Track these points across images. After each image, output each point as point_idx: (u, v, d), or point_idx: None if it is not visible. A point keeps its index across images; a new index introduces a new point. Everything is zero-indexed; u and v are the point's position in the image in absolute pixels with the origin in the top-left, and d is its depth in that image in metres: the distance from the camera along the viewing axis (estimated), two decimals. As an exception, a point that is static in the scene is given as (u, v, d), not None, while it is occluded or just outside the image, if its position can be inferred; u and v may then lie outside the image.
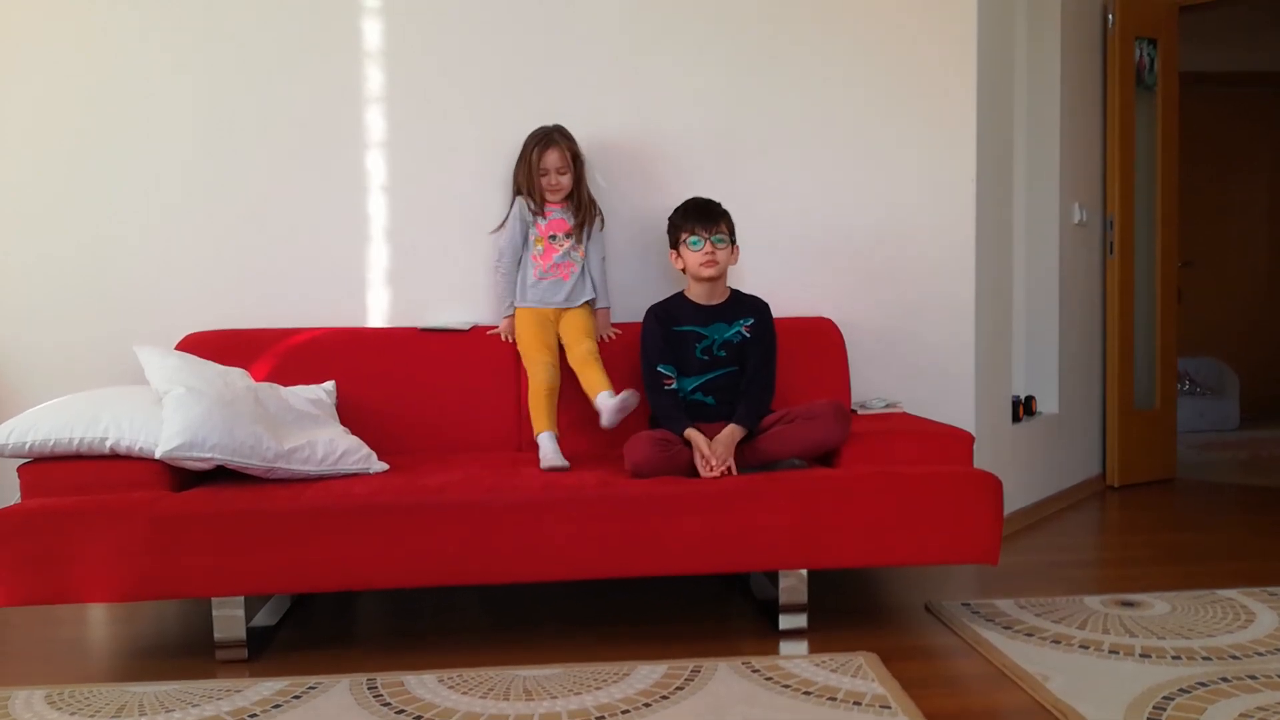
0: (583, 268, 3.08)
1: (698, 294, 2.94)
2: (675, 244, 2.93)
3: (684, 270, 2.94)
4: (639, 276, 3.25)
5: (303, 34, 3.17)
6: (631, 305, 3.18)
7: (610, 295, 3.18)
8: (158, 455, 2.44)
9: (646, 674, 2.30)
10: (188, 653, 2.56)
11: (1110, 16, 4.41)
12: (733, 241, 2.93)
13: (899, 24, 3.33)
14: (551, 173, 3.01)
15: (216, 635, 2.47)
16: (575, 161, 3.05)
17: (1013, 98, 3.88)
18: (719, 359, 2.90)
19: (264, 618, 2.73)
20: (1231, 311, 6.86)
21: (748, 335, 2.91)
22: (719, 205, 2.93)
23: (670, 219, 2.96)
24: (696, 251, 2.87)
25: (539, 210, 3.05)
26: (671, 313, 2.93)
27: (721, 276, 2.92)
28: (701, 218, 2.89)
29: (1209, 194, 6.71)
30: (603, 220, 3.16)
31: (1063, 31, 4.13)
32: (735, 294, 2.97)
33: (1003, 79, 3.67)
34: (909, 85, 3.35)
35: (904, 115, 3.35)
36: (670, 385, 2.87)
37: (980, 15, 3.37)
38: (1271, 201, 6.90)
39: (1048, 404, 4.20)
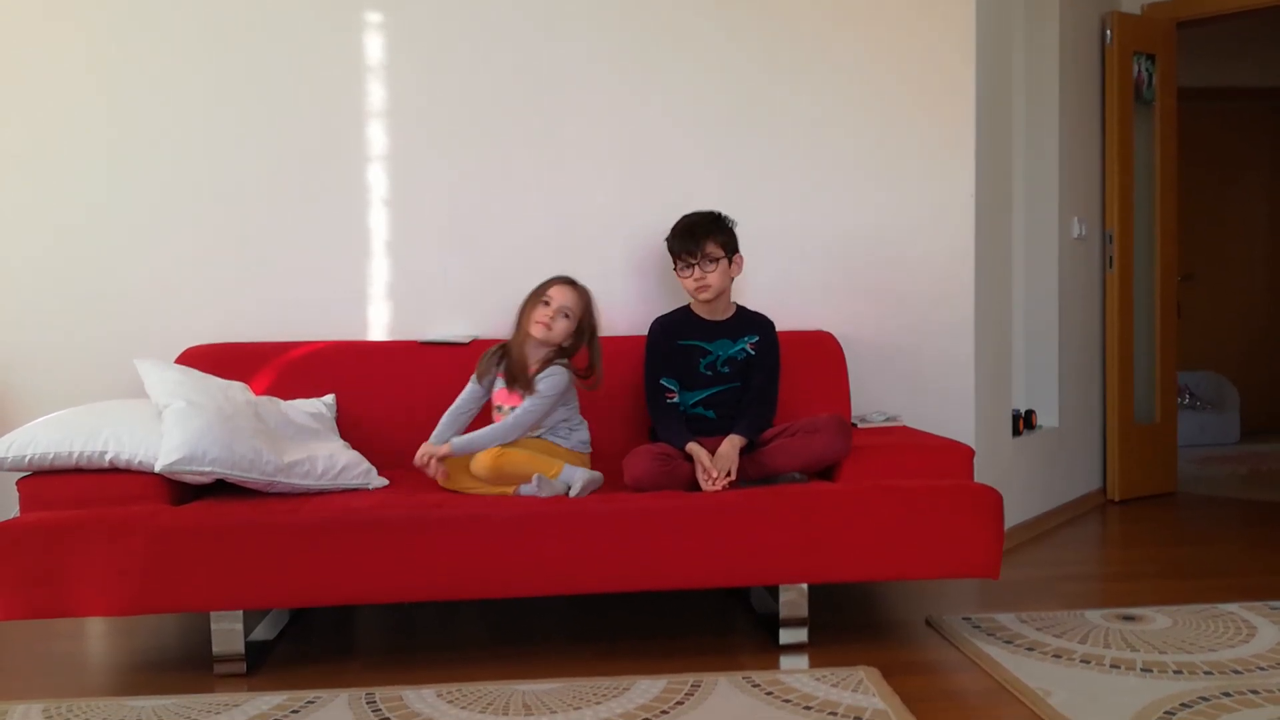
0: None
1: (702, 309, 2.94)
2: (675, 264, 2.92)
3: None
4: (639, 290, 3.26)
5: (305, 48, 3.18)
6: (633, 319, 3.19)
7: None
8: (157, 469, 2.44)
9: (646, 689, 2.29)
10: (186, 667, 2.55)
11: (1108, 32, 4.42)
12: (730, 253, 2.88)
13: (898, 42, 3.34)
14: (554, 305, 2.76)
15: (215, 649, 2.46)
16: (581, 326, 2.79)
17: (1012, 113, 3.90)
18: (722, 375, 2.90)
19: (262, 632, 2.72)
20: (1231, 325, 6.86)
21: (752, 352, 2.91)
22: (707, 221, 2.86)
23: (666, 240, 2.94)
24: (688, 278, 2.86)
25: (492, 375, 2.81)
26: (677, 326, 2.93)
27: (721, 295, 2.91)
28: (686, 241, 2.84)
29: (1208, 208, 6.72)
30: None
31: (1061, 48, 4.15)
32: (741, 310, 2.97)
33: (1001, 95, 3.68)
34: (908, 101, 3.36)
35: (903, 131, 3.36)
36: (672, 399, 2.87)
37: (979, 32, 3.38)
38: (1271, 215, 6.91)
39: (1048, 418, 4.19)
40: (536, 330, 2.75)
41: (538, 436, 2.75)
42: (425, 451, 2.65)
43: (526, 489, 2.59)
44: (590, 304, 2.83)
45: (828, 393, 3.14)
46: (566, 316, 2.76)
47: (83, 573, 2.33)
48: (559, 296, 2.77)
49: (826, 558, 2.50)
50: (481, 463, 2.60)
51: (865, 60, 3.34)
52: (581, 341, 2.81)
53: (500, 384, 2.79)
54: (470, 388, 2.83)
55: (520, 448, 2.66)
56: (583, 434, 2.83)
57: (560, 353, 2.79)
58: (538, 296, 2.79)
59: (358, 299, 3.23)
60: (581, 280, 2.88)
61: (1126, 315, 4.50)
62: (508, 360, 2.78)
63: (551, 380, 2.71)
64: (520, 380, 2.73)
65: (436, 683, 2.37)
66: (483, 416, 2.83)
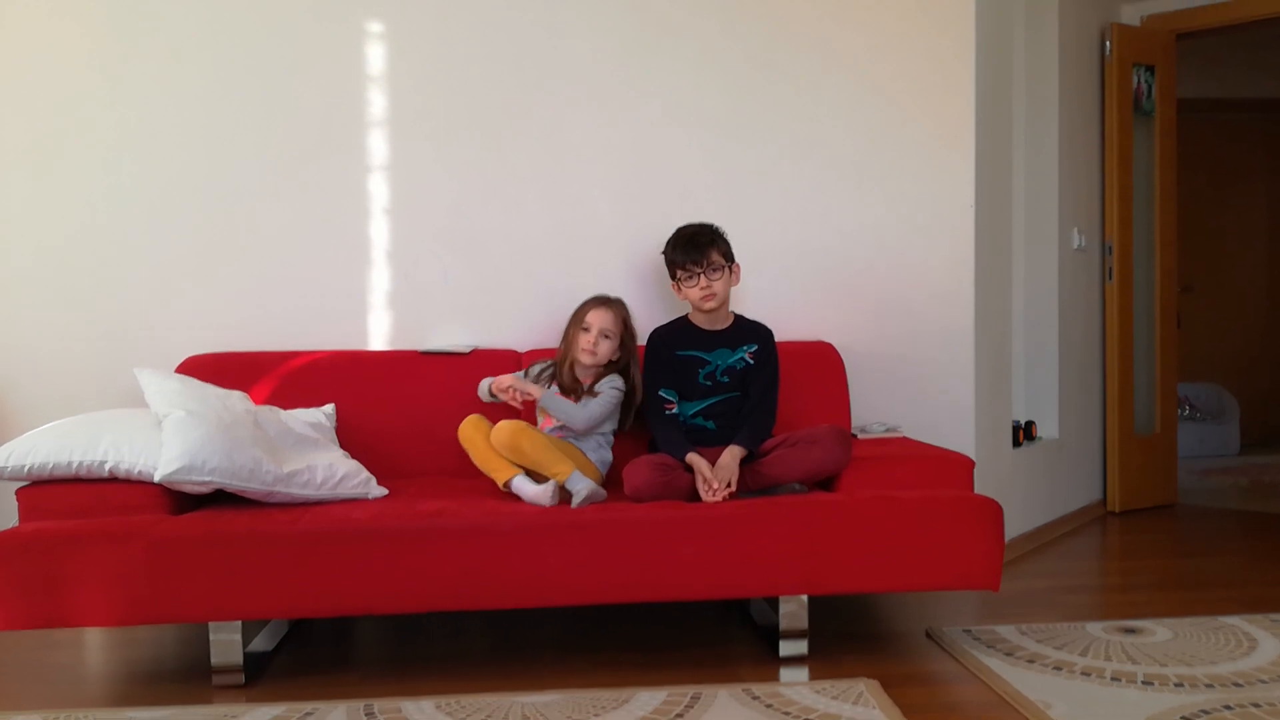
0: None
1: (701, 319, 2.94)
2: (673, 276, 2.93)
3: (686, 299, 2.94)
4: (640, 300, 3.24)
5: (305, 57, 3.19)
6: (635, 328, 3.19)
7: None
8: (157, 478, 2.43)
9: (646, 700, 2.29)
10: (184, 678, 2.54)
11: (1108, 44, 4.43)
12: (730, 262, 2.90)
13: (897, 50, 3.35)
14: (594, 331, 2.85)
15: (213, 660, 2.45)
16: (623, 340, 2.90)
17: (1011, 124, 3.91)
18: (721, 384, 2.90)
19: (261, 643, 2.71)
20: (1231, 336, 6.86)
21: (751, 362, 2.91)
22: (708, 231, 2.89)
23: (664, 252, 2.94)
24: (693, 287, 2.87)
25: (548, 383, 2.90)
26: (675, 337, 2.93)
27: (722, 304, 2.92)
28: (690, 251, 2.86)
29: (1208, 219, 6.72)
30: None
31: (1061, 59, 4.16)
32: (739, 320, 2.97)
33: (1001, 105, 3.69)
34: (907, 111, 3.36)
35: (903, 141, 3.37)
36: (671, 410, 2.87)
37: (978, 42, 3.39)
38: (1270, 226, 6.92)
39: (1048, 429, 4.19)
40: (584, 357, 2.87)
41: (570, 439, 2.81)
42: (518, 386, 2.76)
43: (529, 491, 2.59)
44: (628, 316, 2.96)
45: (827, 403, 3.14)
46: (607, 338, 2.87)
47: (82, 583, 2.32)
48: (597, 321, 2.86)
49: (826, 569, 2.49)
50: (503, 432, 2.63)
51: (865, 70, 3.35)
52: (628, 353, 2.93)
53: (554, 389, 2.89)
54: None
55: (544, 435, 2.70)
56: (606, 455, 2.89)
57: (610, 367, 2.90)
58: (577, 322, 2.90)
59: (358, 308, 3.24)
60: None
61: (1126, 326, 4.50)
62: (559, 378, 2.89)
63: (614, 382, 2.87)
64: (575, 394, 2.85)
65: (435, 694, 2.36)
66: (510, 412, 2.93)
